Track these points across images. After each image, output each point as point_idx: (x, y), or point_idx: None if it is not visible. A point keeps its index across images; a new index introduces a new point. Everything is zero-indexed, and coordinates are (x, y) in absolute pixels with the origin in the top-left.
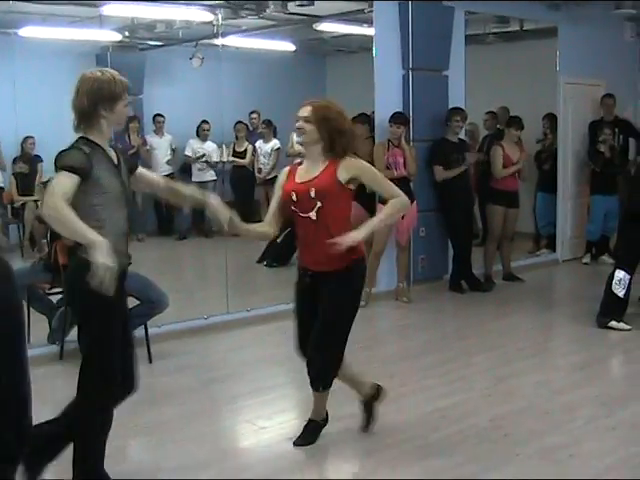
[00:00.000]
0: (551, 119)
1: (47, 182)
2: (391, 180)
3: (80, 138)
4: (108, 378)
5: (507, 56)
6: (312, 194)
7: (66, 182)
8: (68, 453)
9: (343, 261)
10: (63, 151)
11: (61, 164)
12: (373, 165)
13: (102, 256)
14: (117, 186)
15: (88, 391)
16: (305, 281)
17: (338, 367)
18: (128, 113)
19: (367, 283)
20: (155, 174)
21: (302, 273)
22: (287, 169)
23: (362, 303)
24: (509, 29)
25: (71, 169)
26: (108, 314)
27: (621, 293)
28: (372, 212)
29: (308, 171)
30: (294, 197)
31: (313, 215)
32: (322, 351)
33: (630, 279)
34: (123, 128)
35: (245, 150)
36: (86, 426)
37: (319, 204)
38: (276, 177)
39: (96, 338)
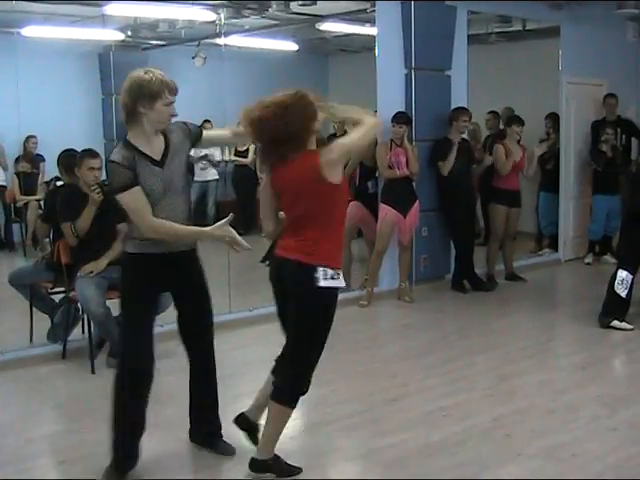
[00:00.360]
0: (553, 119)
1: (50, 182)
2: (394, 180)
3: (120, 143)
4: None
5: (509, 56)
6: None
7: (135, 198)
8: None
9: None
10: (106, 169)
11: (115, 189)
12: (376, 165)
13: (219, 235)
14: (157, 183)
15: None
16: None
17: None
18: (172, 112)
19: (369, 283)
20: (219, 129)
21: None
22: None
23: (364, 303)
24: (511, 29)
25: (125, 188)
26: (139, 296)
27: (623, 293)
28: (374, 211)
29: None
30: None
31: None
32: None
33: (632, 279)
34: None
35: (247, 149)
36: (114, 399)
37: None
38: None
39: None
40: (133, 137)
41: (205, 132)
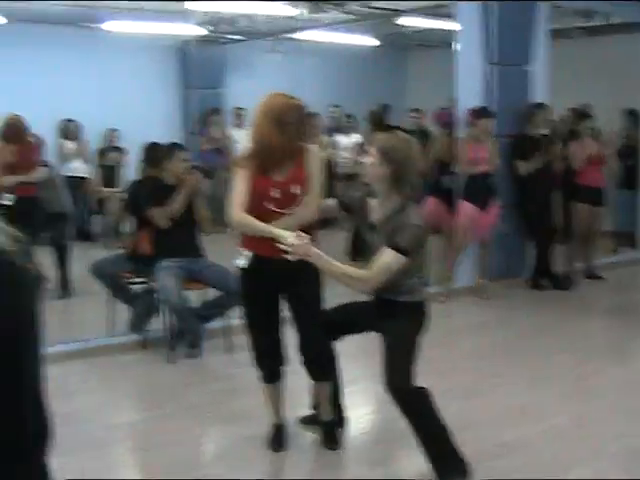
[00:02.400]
0: (633, 115)
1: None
2: (475, 175)
3: None
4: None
5: (592, 51)
6: None
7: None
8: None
9: None
10: None
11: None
12: (452, 160)
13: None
14: None
15: None
16: None
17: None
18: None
19: (447, 279)
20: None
21: None
22: None
23: (442, 299)
24: (595, 23)
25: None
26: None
27: None
28: (450, 207)
29: None
30: None
31: None
32: None
33: None
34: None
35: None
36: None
37: None
38: (357, 173)
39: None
40: None
41: None
